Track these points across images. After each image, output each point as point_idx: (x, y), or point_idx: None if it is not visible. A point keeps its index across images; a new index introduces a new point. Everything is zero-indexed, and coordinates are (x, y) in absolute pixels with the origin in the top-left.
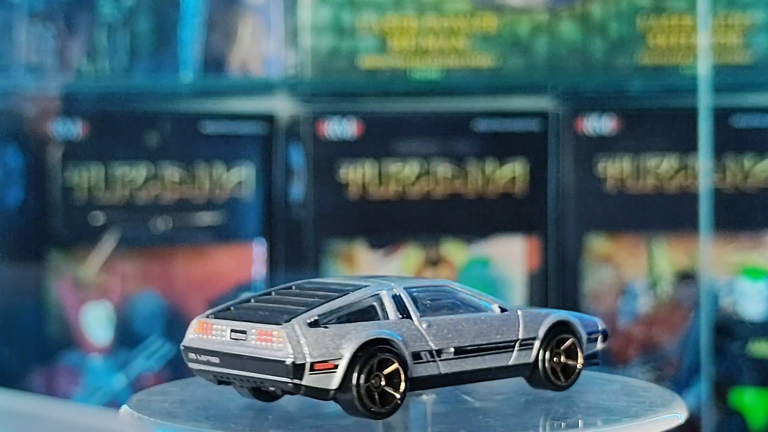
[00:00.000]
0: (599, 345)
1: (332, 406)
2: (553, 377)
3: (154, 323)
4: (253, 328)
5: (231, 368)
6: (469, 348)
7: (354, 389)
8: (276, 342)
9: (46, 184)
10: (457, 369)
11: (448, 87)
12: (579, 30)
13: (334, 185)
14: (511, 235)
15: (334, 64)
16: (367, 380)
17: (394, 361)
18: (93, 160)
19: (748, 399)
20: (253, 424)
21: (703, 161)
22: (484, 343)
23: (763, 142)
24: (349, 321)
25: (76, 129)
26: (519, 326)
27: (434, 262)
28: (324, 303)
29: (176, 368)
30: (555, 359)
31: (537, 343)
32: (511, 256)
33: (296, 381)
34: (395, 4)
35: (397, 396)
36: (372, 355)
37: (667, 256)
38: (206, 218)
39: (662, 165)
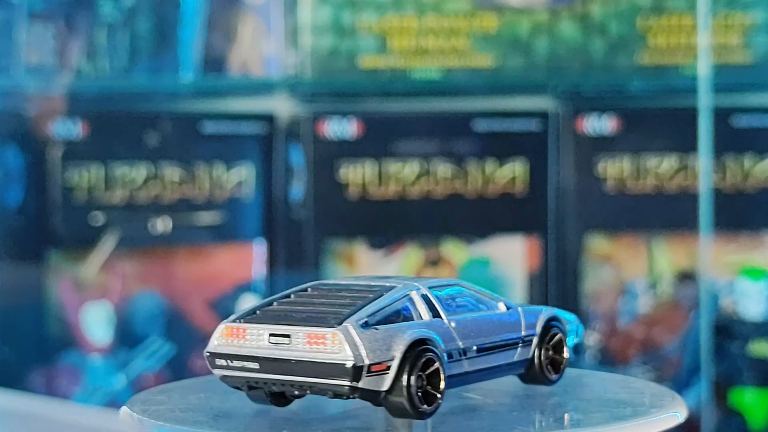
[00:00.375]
0: (575, 340)
1: (334, 408)
2: (546, 372)
3: (154, 323)
4: (300, 331)
5: (272, 373)
6: (487, 345)
7: (405, 390)
8: (331, 344)
9: (46, 184)
10: (477, 367)
11: (448, 87)
12: (579, 30)
13: (334, 185)
14: (511, 235)
15: (334, 64)
16: (415, 381)
17: (436, 360)
18: (93, 160)
19: (748, 399)
20: (254, 425)
21: (703, 161)
22: (498, 340)
23: (763, 142)
24: (389, 322)
25: (76, 129)
26: (522, 323)
27: (434, 262)
28: (366, 304)
29: (176, 368)
30: (546, 354)
31: (535, 340)
32: (511, 256)
33: (354, 384)
34: (395, 4)
35: (439, 395)
36: (418, 355)
37: (667, 256)
38: (206, 218)
39: (662, 165)
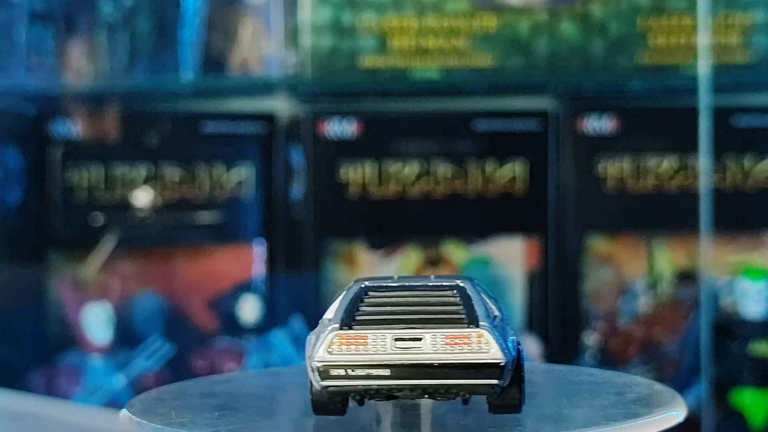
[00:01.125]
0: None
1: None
2: None
3: (154, 323)
4: (437, 333)
5: (406, 379)
6: None
7: (518, 385)
8: (477, 344)
9: (46, 185)
10: None
11: (448, 87)
12: (579, 30)
13: (334, 185)
14: (511, 235)
15: (334, 63)
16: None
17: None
18: (93, 161)
19: (748, 399)
20: (256, 426)
21: (704, 161)
22: None
23: (764, 142)
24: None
25: (75, 129)
26: None
27: (434, 262)
28: (471, 303)
29: (176, 368)
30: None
31: None
32: (511, 256)
33: (501, 383)
34: (395, 4)
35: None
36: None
37: (667, 256)
38: (206, 218)
39: (662, 165)
